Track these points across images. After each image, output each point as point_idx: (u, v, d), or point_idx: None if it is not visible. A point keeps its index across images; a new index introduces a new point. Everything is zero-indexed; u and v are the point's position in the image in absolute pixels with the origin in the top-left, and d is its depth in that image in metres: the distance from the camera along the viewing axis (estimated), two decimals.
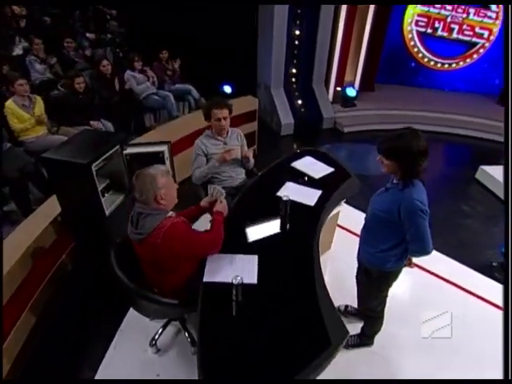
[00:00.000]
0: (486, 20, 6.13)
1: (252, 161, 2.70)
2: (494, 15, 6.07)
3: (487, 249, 3.32)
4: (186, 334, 2.13)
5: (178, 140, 3.58)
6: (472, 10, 6.07)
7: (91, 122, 3.57)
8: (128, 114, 4.08)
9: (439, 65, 6.69)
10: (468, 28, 6.23)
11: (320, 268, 1.75)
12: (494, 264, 3.00)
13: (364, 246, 1.87)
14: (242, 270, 1.67)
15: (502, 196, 4.08)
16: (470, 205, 4.07)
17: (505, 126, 1.32)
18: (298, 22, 5.09)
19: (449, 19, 6.19)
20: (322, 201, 2.29)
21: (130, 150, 2.36)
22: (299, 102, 5.69)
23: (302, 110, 5.65)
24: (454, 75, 6.76)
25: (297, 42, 5.28)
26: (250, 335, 1.46)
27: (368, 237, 1.84)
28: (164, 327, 2.21)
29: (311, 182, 2.50)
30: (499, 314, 2.46)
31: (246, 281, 1.55)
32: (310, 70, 5.59)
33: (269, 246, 1.92)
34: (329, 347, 1.37)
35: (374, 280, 1.85)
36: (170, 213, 1.70)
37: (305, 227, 2.07)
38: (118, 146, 2.24)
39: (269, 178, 2.61)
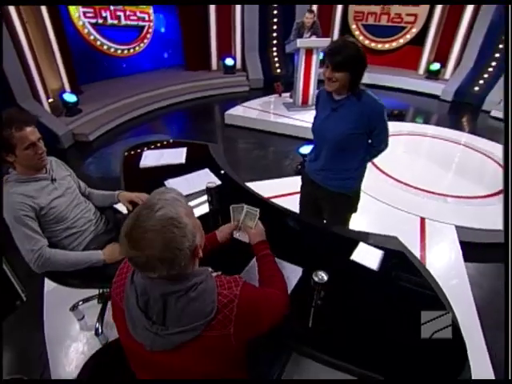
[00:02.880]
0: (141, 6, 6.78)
1: None
2: None
3: (285, 161, 4.23)
4: None
5: None
6: None
7: None
8: None
9: (123, 51, 6.87)
10: (132, 13, 6.65)
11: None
12: (299, 166, 3.88)
13: (337, 176, 1.77)
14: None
15: (253, 126, 5.15)
16: (246, 142, 4.88)
17: (505, 126, 1.23)
18: None
19: (112, 7, 6.31)
20: (222, 176, 2.09)
21: None
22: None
23: None
24: (142, 57, 7.25)
25: None
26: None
27: (340, 164, 1.73)
28: None
29: (185, 169, 2.18)
30: None
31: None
32: (6, 89, 4.26)
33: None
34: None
35: (356, 201, 1.87)
36: (210, 269, 1.00)
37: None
38: None
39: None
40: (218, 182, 2.01)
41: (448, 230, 2.82)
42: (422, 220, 2.93)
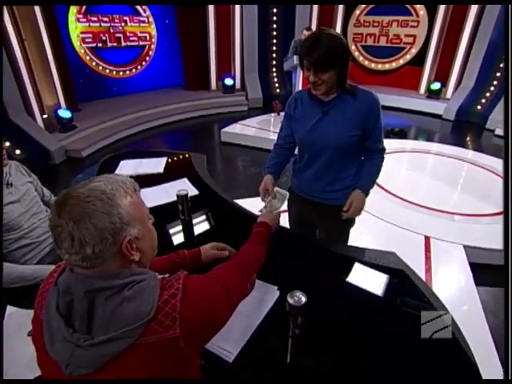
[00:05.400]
0: (142, 25, 6.85)
1: None
2: (145, 19, 6.88)
3: (281, 178, 4.02)
4: None
5: None
6: (127, 18, 6.56)
7: None
8: None
9: (121, 73, 6.90)
10: (132, 34, 6.72)
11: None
12: None
13: (336, 186, 1.53)
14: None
15: (247, 143, 5.02)
16: (242, 160, 4.73)
17: (504, 126, 1.14)
18: None
19: (111, 30, 6.39)
20: (201, 186, 1.90)
21: None
22: (7, 144, 4.23)
23: (18, 152, 4.26)
24: (142, 77, 7.25)
25: None
26: None
27: (337, 172, 1.50)
28: None
29: (163, 179, 1.99)
30: None
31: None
32: None
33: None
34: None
35: None
36: (155, 273, 0.77)
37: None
38: None
39: None
40: (195, 191, 1.83)
41: (456, 250, 2.57)
42: (427, 239, 2.68)
